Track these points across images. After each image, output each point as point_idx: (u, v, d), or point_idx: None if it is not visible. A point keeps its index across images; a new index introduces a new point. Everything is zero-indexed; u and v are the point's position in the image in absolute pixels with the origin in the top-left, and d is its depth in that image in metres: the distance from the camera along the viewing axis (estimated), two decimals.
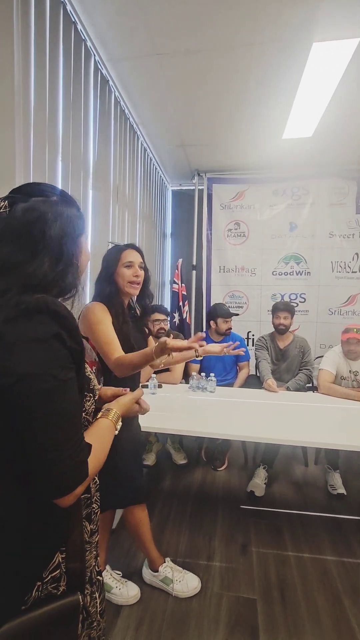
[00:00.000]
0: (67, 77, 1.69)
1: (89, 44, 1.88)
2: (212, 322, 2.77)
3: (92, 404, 0.71)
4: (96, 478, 0.75)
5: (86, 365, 0.69)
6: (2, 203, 0.60)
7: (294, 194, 3.64)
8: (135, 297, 1.44)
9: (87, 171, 1.96)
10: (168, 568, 1.54)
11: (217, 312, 2.72)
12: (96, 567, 0.75)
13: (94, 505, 0.73)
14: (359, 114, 2.52)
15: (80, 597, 0.62)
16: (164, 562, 1.56)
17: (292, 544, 1.80)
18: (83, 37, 1.83)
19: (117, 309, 1.33)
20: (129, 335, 1.34)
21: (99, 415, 0.72)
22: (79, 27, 1.77)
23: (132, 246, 1.40)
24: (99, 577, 0.76)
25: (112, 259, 1.36)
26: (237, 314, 2.81)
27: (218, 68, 2.08)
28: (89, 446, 0.61)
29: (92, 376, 0.73)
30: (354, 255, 3.57)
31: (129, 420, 1.35)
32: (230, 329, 2.74)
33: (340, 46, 1.87)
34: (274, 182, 3.65)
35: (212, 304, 3.79)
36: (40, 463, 0.54)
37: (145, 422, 1.55)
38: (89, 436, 0.64)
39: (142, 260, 1.39)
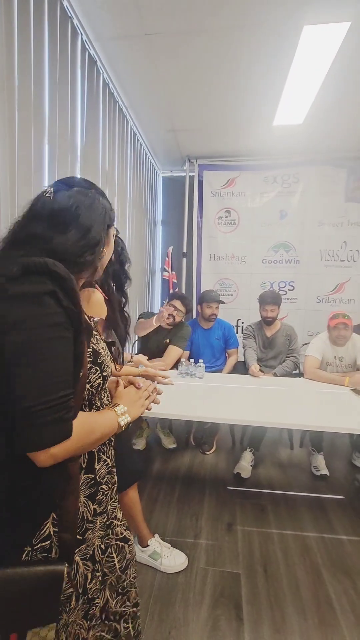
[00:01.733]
0: (52, 56, 1.65)
1: (75, 21, 1.83)
2: (199, 307, 2.83)
3: (99, 378, 0.72)
4: (108, 460, 0.79)
5: (100, 340, 0.75)
6: (49, 189, 0.70)
7: (284, 181, 3.64)
8: None
9: (74, 155, 1.93)
10: (156, 543, 1.60)
11: (203, 298, 2.78)
12: (101, 546, 0.79)
13: (104, 487, 0.77)
14: (350, 101, 2.51)
15: (65, 568, 0.64)
16: (153, 537, 1.62)
17: (276, 522, 1.88)
18: (69, 15, 1.78)
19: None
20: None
21: (108, 407, 0.76)
22: (65, 3, 1.72)
23: None
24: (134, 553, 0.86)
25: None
26: (223, 302, 2.83)
27: (208, 50, 2.04)
28: (77, 412, 0.62)
29: (104, 352, 0.75)
30: (343, 243, 3.60)
31: None
32: (215, 315, 2.76)
33: (331, 29, 1.86)
34: (265, 169, 3.63)
35: (201, 292, 3.83)
36: (17, 411, 0.56)
37: None
38: (87, 416, 0.67)
39: None
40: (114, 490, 0.85)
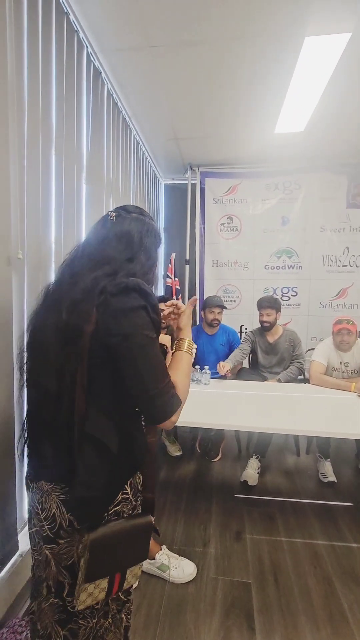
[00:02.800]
0: (60, 68, 1.67)
1: (81, 35, 1.87)
2: (202, 313, 2.85)
3: None
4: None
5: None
6: (112, 214, 0.87)
7: (285, 188, 3.67)
8: None
9: (80, 165, 1.95)
10: (164, 555, 1.58)
11: (205, 303, 2.81)
12: None
13: None
14: (350, 109, 2.55)
15: (152, 519, 0.83)
16: (160, 549, 1.60)
17: (285, 530, 1.86)
18: (75, 28, 1.81)
19: None
20: None
21: (174, 348, 0.94)
22: (72, 17, 1.75)
23: None
24: None
25: None
26: (225, 307, 2.83)
27: (211, 61, 2.07)
28: (174, 383, 0.81)
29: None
30: (345, 249, 3.62)
31: None
32: (217, 320, 2.76)
33: (332, 40, 1.89)
34: (267, 176, 3.66)
35: (204, 298, 3.83)
36: (147, 399, 0.75)
37: None
38: (172, 371, 0.84)
39: None
40: None
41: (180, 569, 1.55)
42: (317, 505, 2.07)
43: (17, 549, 1.45)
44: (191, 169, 3.77)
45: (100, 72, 2.16)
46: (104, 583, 0.77)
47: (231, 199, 3.78)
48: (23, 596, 1.42)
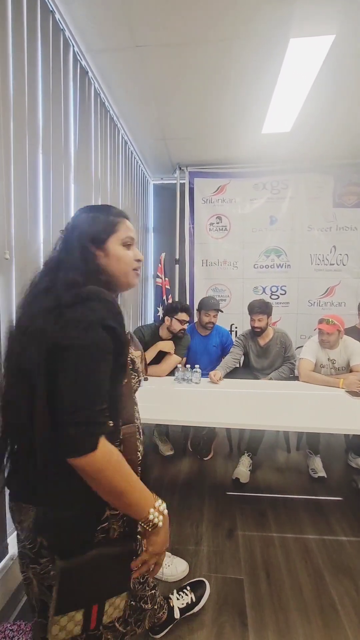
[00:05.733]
0: (45, 67, 1.66)
1: (67, 33, 1.86)
2: (197, 314, 2.84)
3: (137, 382, 0.89)
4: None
5: (132, 350, 0.86)
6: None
7: (273, 188, 3.70)
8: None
9: (68, 164, 1.94)
10: None
11: (201, 305, 2.79)
12: None
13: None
14: (335, 110, 2.59)
15: (135, 545, 0.81)
16: None
17: (276, 526, 1.88)
18: (61, 27, 1.80)
19: None
20: None
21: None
22: (57, 16, 1.74)
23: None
24: None
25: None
26: (221, 310, 2.80)
27: (198, 62, 2.08)
28: (110, 429, 0.68)
29: (138, 360, 0.89)
30: (332, 247, 3.67)
31: None
32: (212, 323, 2.76)
33: (316, 42, 1.92)
34: (254, 176, 3.69)
35: (195, 298, 3.84)
36: (61, 420, 0.63)
37: None
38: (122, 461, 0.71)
39: None
40: None
41: (173, 566, 1.56)
42: (308, 501, 2.10)
43: (7, 552, 1.43)
44: (180, 168, 3.78)
45: (87, 72, 2.15)
46: (78, 616, 0.70)
47: (220, 198, 3.80)
48: (14, 600, 1.41)
